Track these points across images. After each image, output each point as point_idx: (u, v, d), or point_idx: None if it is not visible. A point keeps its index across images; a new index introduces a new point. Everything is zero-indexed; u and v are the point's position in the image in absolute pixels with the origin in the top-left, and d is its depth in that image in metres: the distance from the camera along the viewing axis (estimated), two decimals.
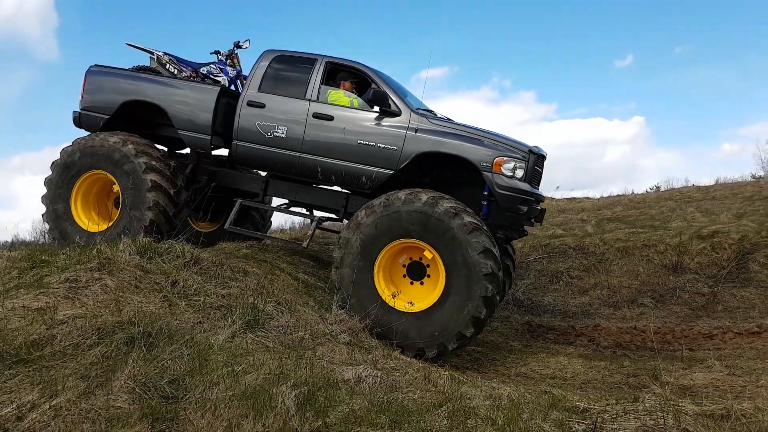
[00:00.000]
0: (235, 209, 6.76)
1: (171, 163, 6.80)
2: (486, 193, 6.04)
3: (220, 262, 5.73)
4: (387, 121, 6.17)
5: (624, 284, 10.68)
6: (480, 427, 3.77)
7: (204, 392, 3.44)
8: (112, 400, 3.17)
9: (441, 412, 3.84)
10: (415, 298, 5.86)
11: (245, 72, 7.62)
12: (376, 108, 6.19)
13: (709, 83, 59.60)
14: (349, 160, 6.25)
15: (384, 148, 6.12)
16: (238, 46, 7.66)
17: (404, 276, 6.00)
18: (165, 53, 7.52)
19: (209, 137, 6.65)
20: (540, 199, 6.46)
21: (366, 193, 6.41)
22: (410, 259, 5.96)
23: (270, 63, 6.64)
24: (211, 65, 7.60)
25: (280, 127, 6.39)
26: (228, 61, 7.65)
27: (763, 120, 56.50)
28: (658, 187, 23.02)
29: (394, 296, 5.82)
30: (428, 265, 5.88)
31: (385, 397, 3.95)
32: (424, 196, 5.62)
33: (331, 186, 6.83)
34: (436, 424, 3.65)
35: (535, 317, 9.13)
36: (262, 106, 6.47)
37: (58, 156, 6.79)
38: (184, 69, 7.53)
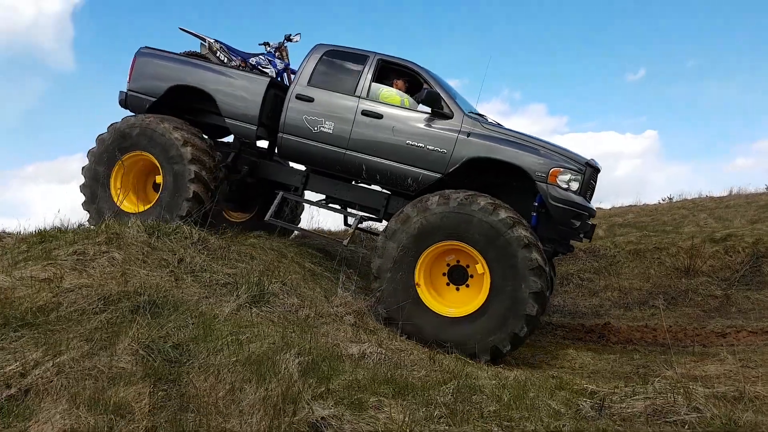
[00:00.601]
0: (276, 201, 6.70)
1: (215, 155, 6.75)
2: (537, 204, 5.85)
3: (227, 246, 5.75)
4: (438, 123, 6.03)
5: (635, 286, 10.53)
6: (485, 403, 3.72)
7: (208, 357, 3.43)
8: (116, 360, 3.17)
9: (446, 389, 3.80)
10: (454, 302, 5.65)
11: (293, 66, 7.63)
12: (428, 109, 6.07)
13: (721, 97, 59.04)
14: (395, 161, 6.12)
15: (433, 150, 5.97)
16: (288, 39, 7.60)
17: (443, 274, 5.79)
18: (216, 41, 7.47)
19: (255, 127, 6.58)
20: (592, 213, 6.18)
21: (410, 194, 6.22)
22: (457, 261, 5.73)
23: (321, 57, 6.57)
24: (260, 56, 7.54)
25: (327, 123, 6.29)
26: (277, 54, 7.61)
27: None
28: (670, 198, 22.77)
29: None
30: (471, 276, 5.65)
31: (389, 372, 3.91)
32: (482, 201, 5.43)
33: (374, 185, 6.68)
34: (441, 398, 3.59)
35: (544, 316, 9.02)
36: (310, 100, 6.39)
37: (86, 159, 6.78)
38: (234, 58, 7.47)
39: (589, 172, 5.87)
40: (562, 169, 5.66)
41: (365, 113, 6.20)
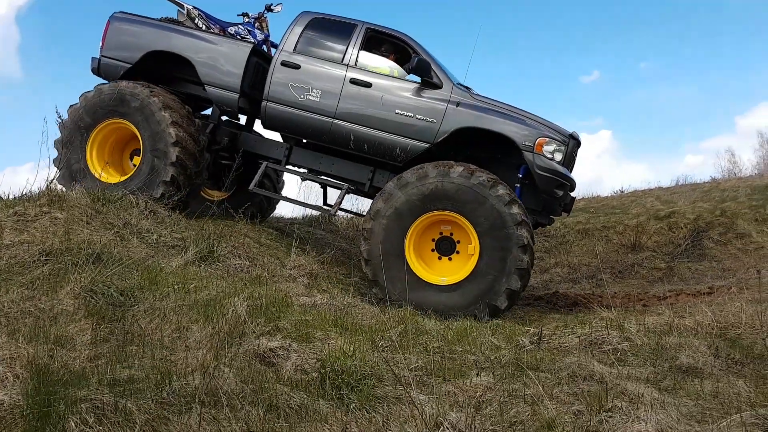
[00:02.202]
0: (260, 171, 6.48)
1: (196, 120, 6.50)
2: (520, 175, 5.92)
3: (176, 217, 5.71)
4: (428, 93, 5.98)
5: (584, 262, 10.90)
6: (431, 340, 3.85)
7: (154, 302, 3.43)
8: (57, 303, 3.14)
9: (394, 330, 3.90)
10: (446, 272, 5.64)
11: (274, 38, 7.34)
12: (417, 79, 6.00)
13: (673, 98, 61.57)
14: (384, 130, 6.01)
15: (422, 119, 5.92)
16: (269, 9, 7.35)
17: (432, 251, 5.79)
18: (195, 7, 7.11)
19: (237, 95, 6.33)
20: (574, 185, 6.28)
21: (395, 165, 6.19)
22: (450, 233, 5.72)
23: (307, 24, 6.39)
24: (239, 26, 7.27)
25: (314, 91, 6.13)
26: (256, 24, 7.35)
27: (722, 133, 58.68)
28: (622, 191, 23.63)
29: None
30: (458, 241, 5.71)
31: (340, 317, 4.00)
32: (459, 168, 5.47)
33: (361, 155, 6.44)
34: (388, 337, 3.70)
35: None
36: (297, 67, 6.20)
37: (69, 110, 6.39)
38: (213, 26, 7.11)
39: (572, 144, 6.00)
40: (547, 139, 5.74)
41: (354, 82, 6.09)
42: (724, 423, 2.46)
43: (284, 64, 6.24)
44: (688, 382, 3.11)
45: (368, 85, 6.08)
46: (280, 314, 3.57)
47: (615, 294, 8.20)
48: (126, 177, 6.18)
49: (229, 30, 7.23)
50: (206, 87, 6.43)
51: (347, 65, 6.17)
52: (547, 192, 5.82)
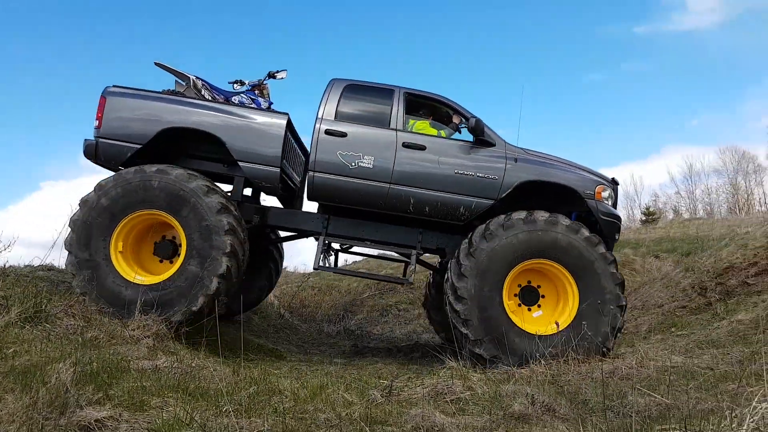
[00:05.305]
0: (319, 246, 6.27)
1: (244, 226, 5.89)
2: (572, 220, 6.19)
3: (3, 271, 5.10)
4: (484, 151, 6.11)
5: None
6: (283, 401, 3.76)
7: None
8: None
9: (244, 393, 3.77)
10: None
11: (277, 105, 7.06)
12: (468, 138, 6.15)
13: (618, 110, 64.53)
14: (445, 191, 6.02)
15: (484, 177, 6.02)
16: (272, 76, 6.99)
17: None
18: (198, 77, 6.63)
19: (278, 169, 5.92)
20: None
21: (455, 224, 6.20)
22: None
23: (342, 92, 6.28)
24: (242, 95, 6.88)
25: (366, 157, 5.99)
26: (257, 92, 6.99)
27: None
28: None
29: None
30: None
31: (183, 381, 3.77)
32: (586, 232, 5.72)
33: (414, 218, 6.33)
34: (237, 399, 3.56)
35: (363, 342, 9.36)
36: (343, 135, 6.04)
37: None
38: (217, 96, 6.70)
39: (616, 187, 6.43)
40: (604, 186, 6.17)
41: (407, 145, 6.05)
42: None
43: (329, 132, 6.06)
44: (519, 429, 3.36)
45: (422, 147, 6.07)
46: (112, 381, 3.28)
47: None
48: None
49: (232, 100, 6.82)
50: (240, 163, 5.91)
51: (395, 129, 6.14)
52: (611, 235, 6.19)
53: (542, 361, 5.02)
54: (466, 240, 5.89)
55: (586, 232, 5.77)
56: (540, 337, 5.48)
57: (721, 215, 28.36)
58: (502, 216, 5.87)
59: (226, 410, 3.25)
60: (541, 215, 5.80)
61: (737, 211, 31.59)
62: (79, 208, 5.47)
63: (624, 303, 5.76)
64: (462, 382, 4.15)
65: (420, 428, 3.24)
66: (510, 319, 5.54)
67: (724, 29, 54.67)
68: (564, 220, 5.79)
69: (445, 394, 4.00)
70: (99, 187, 5.50)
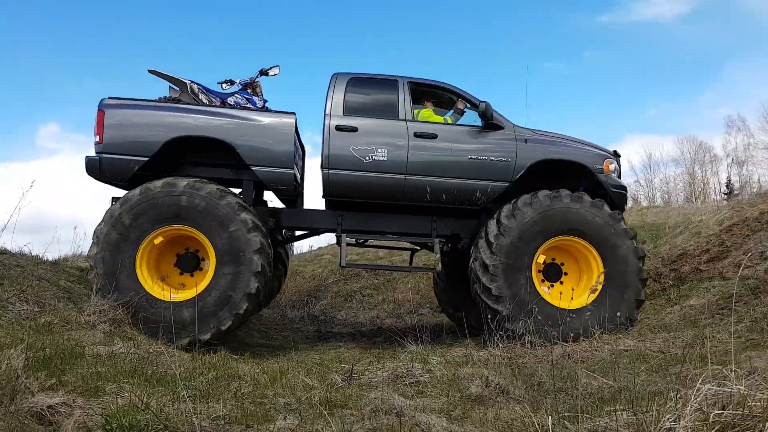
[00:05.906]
0: (342, 244, 6.21)
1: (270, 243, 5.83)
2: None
3: None
4: (494, 135, 6.16)
5: (407, 299, 11.57)
6: (242, 386, 3.76)
7: None
8: None
9: (203, 378, 3.75)
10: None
11: (271, 102, 6.87)
12: (477, 123, 6.15)
13: (584, 100, 65.21)
14: (461, 177, 6.05)
15: (497, 160, 6.08)
16: (264, 73, 6.80)
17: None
18: (193, 82, 6.41)
19: (293, 171, 5.83)
20: None
21: (471, 209, 6.25)
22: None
23: (347, 86, 6.19)
24: (237, 95, 6.68)
25: (379, 150, 5.97)
26: (249, 91, 6.80)
27: None
28: None
29: None
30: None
31: (140, 367, 3.72)
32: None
33: (430, 206, 6.35)
34: (195, 385, 3.54)
35: (326, 327, 9.39)
36: (354, 129, 5.99)
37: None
38: (214, 99, 6.52)
39: (619, 159, 6.58)
40: (610, 160, 6.31)
41: (418, 135, 6.05)
42: None
43: (339, 128, 5.99)
44: (475, 410, 3.44)
45: (434, 136, 6.10)
46: (66, 367, 3.22)
47: (433, 329, 8.80)
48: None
49: (228, 101, 6.64)
50: (254, 167, 5.79)
51: (405, 120, 6.12)
52: (621, 205, 6.37)
53: (500, 345, 5.13)
54: (493, 220, 6.05)
55: (608, 209, 6.02)
56: (570, 311, 5.75)
57: (678, 203, 29.36)
58: (528, 195, 6.04)
59: (183, 396, 3.23)
60: (566, 193, 6.02)
61: (693, 200, 32.72)
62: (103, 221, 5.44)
63: (645, 276, 6.07)
64: (422, 366, 4.22)
65: (379, 411, 3.29)
66: (540, 294, 5.83)
67: (685, 20, 55.99)
68: (587, 198, 6.02)
69: (405, 377, 4.06)
70: (126, 200, 5.47)
